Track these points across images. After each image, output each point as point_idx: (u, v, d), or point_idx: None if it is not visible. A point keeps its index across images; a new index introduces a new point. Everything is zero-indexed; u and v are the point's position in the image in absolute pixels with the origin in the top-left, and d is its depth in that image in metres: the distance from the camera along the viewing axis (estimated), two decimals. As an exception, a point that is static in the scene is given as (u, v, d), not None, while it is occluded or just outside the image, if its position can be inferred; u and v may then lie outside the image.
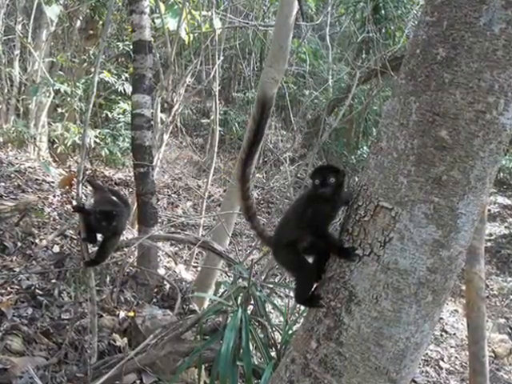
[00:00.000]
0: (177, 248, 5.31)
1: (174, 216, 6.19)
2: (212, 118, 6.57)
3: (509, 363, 4.40)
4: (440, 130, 1.28)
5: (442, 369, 4.20)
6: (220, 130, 6.17)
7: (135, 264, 3.62)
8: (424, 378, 3.99)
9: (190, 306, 3.40)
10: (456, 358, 4.45)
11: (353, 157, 9.04)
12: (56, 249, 3.61)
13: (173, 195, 7.28)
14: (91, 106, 2.50)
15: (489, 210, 8.90)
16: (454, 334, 4.88)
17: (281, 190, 7.87)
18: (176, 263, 4.41)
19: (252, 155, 1.61)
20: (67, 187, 4.20)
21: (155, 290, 3.55)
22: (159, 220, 4.24)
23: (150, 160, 3.58)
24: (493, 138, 1.27)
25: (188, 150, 8.68)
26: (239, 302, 2.40)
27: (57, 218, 4.09)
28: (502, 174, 10.59)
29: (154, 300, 3.48)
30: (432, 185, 1.31)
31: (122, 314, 3.03)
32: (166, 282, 3.61)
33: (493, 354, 4.47)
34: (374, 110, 9.03)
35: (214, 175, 7.05)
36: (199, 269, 4.47)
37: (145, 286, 3.42)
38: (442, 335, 4.82)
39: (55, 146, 6.20)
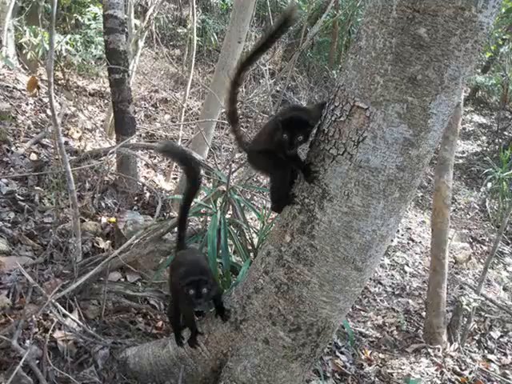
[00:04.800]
0: (156, 160, 5.30)
1: (151, 128, 6.10)
2: (189, 26, 6.23)
3: (467, 267, 4.77)
4: (419, 27, 1.28)
5: (406, 272, 4.53)
6: (198, 40, 5.88)
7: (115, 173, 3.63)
8: (389, 280, 4.32)
9: (170, 213, 3.49)
10: (420, 263, 4.79)
11: (334, 71, 8.87)
12: (33, 157, 3.58)
13: (150, 108, 7.10)
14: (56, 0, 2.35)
15: (464, 129, 9.05)
16: (420, 242, 5.20)
17: (260, 104, 7.75)
18: (156, 172, 4.43)
19: (252, 61, 1.64)
20: (35, 90, 4.07)
21: (135, 198, 3.60)
22: (137, 133, 4.18)
23: (126, 65, 3.45)
24: (469, 36, 1.28)
25: (164, 62, 8.32)
26: (218, 205, 2.49)
27: (32, 126, 4.00)
28: (480, 93, 10.61)
29: (135, 208, 3.54)
30: (407, 84, 1.34)
31: (104, 219, 3.10)
32: (145, 191, 3.67)
33: (453, 260, 4.83)
34: (358, 22, 8.70)
35: (191, 88, 6.85)
36: (178, 180, 4.51)
37: (125, 193, 3.47)
38: (408, 243, 5.13)
39: (24, 52, 5.85)
